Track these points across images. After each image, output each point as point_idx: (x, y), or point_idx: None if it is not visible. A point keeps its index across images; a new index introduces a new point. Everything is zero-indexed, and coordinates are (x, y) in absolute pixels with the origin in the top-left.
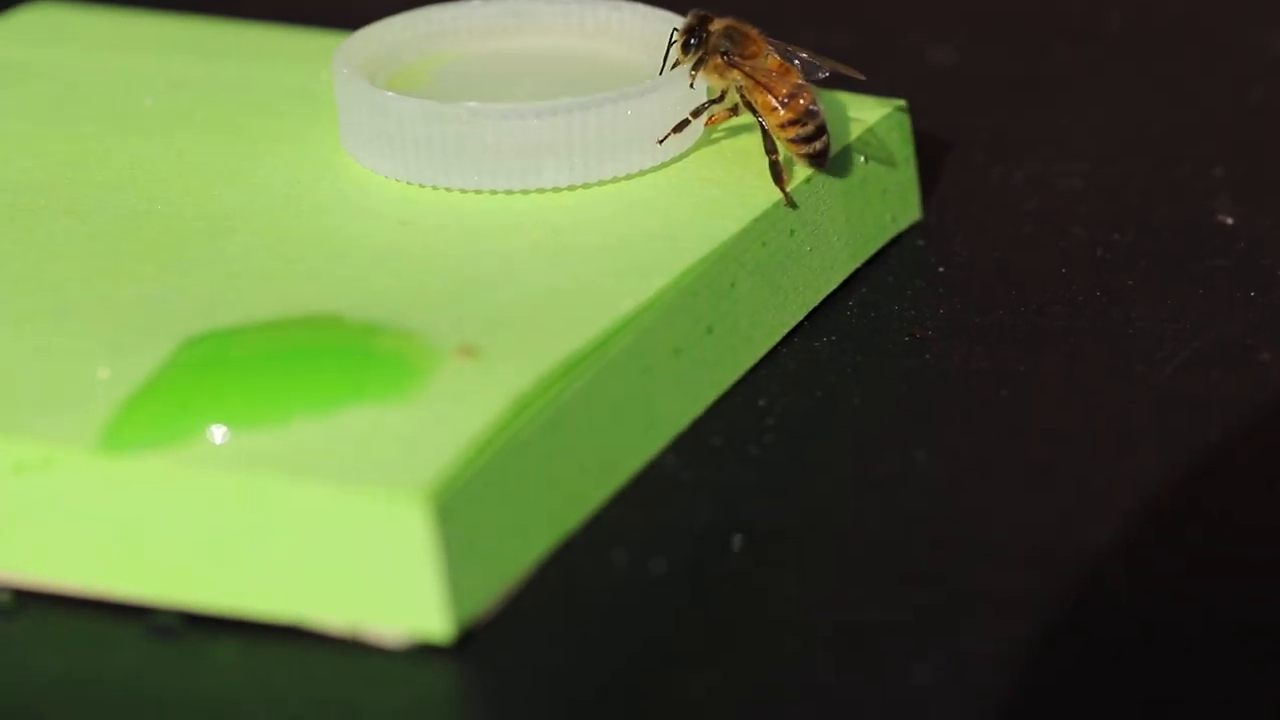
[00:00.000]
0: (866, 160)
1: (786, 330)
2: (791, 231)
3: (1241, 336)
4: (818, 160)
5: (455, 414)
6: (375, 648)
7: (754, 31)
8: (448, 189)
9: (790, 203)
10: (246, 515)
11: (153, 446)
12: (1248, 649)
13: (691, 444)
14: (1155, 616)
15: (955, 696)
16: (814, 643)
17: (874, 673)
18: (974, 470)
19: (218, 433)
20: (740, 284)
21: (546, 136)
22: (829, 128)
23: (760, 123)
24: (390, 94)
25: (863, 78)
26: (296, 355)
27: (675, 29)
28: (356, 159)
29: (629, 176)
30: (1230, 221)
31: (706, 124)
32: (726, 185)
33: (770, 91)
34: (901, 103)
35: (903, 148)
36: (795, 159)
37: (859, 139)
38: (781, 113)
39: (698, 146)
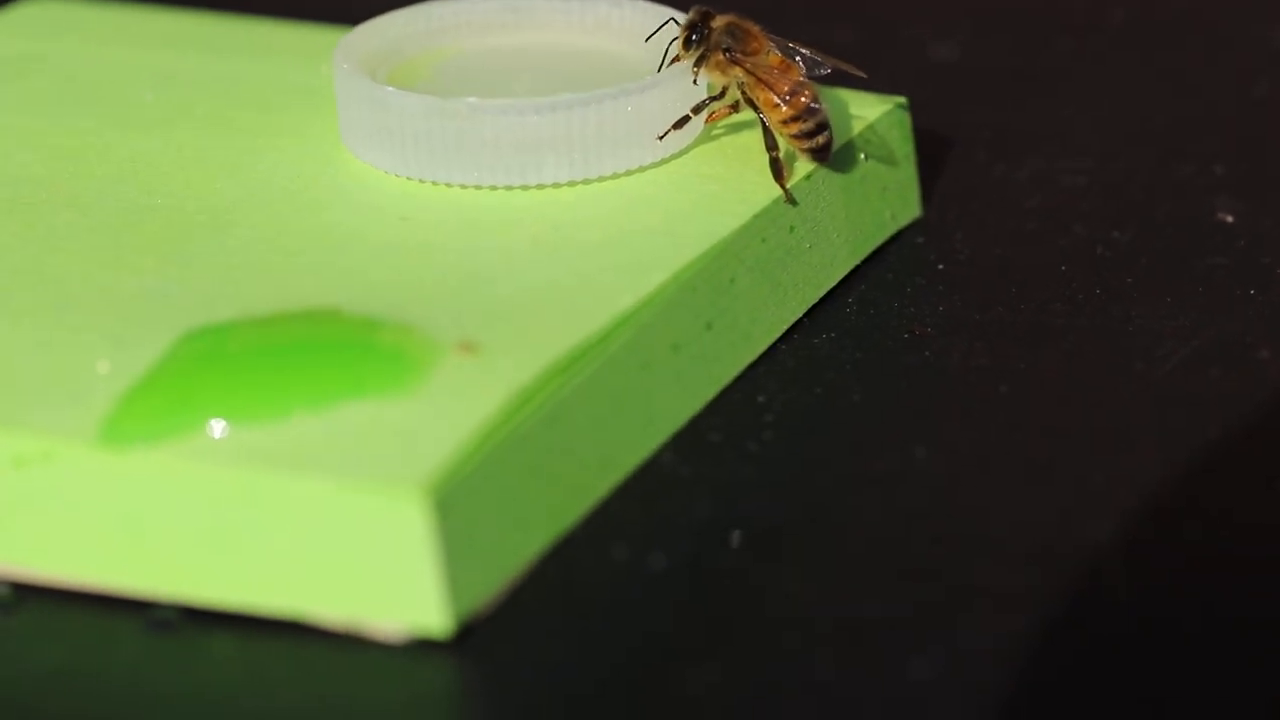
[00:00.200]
0: (867, 157)
1: (786, 327)
2: (791, 228)
3: (1241, 334)
4: (820, 155)
5: (454, 409)
6: (374, 642)
7: (755, 28)
8: (448, 184)
9: (790, 199)
10: (246, 509)
11: (152, 440)
12: (1246, 645)
13: (691, 440)
14: (1154, 613)
15: (954, 692)
16: (813, 638)
17: (873, 668)
18: (973, 467)
19: (217, 427)
20: (740, 280)
21: (547, 132)
22: (831, 124)
23: (761, 119)
24: (390, 89)
25: (864, 75)
26: (296, 350)
27: (675, 20)
28: (356, 154)
29: (629, 172)
30: (1230, 219)
31: (707, 121)
32: (726, 182)
33: (772, 88)
34: (902, 100)
35: (903, 145)
36: (797, 154)
37: (859, 136)
38: (783, 109)
39: (698, 143)
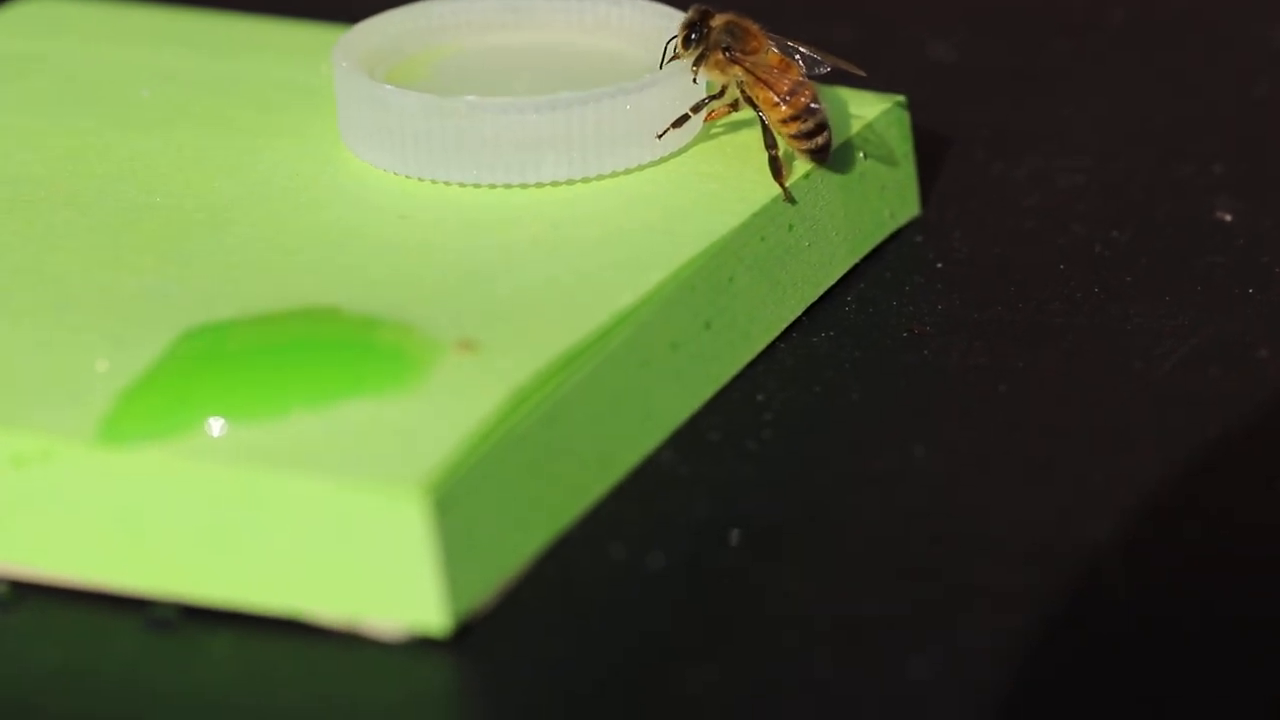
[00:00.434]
0: (865, 156)
1: (785, 325)
2: (790, 227)
3: (1240, 333)
4: (820, 155)
5: (454, 407)
6: (372, 641)
7: (755, 27)
8: (447, 183)
9: (789, 198)
10: (244, 508)
11: (151, 439)
12: (1245, 644)
13: (689, 439)
14: (1153, 612)
15: (953, 691)
16: (812, 637)
17: (872, 667)
18: (972, 466)
19: (216, 425)
20: (739, 279)
21: (546, 131)
22: (830, 124)
23: (760, 118)
24: (389, 87)
25: (863, 73)
26: (295, 348)
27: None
28: (356, 153)
29: (628, 171)
30: (1229, 219)
31: (706, 119)
32: (725, 180)
33: (771, 87)
34: (901, 98)
35: (902, 143)
36: (796, 154)
37: (858, 135)
38: (783, 108)
39: (697, 142)
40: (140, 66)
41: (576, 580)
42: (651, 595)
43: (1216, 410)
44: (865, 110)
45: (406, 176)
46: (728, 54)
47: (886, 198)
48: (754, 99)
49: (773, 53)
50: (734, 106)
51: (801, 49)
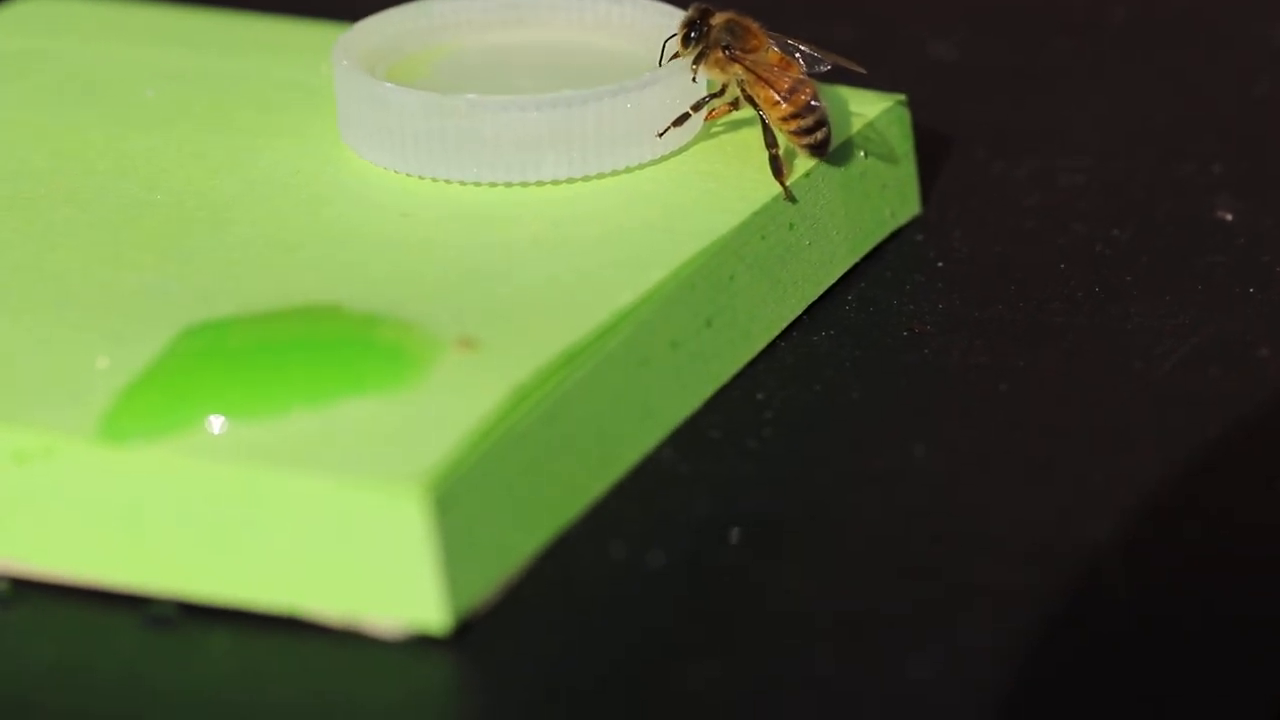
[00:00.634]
0: (866, 155)
1: (785, 324)
2: (791, 225)
3: (1240, 333)
4: (819, 151)
5: (454, 405)
6: (372, 638)
7: (755, 25)
8: (447, 181)
9: (790, 197)
10: (244, 506)
11: (151, 437)
12: (1245, 643)
13: (690, 437)
14: (1153, 611)
15: (953, 690)
16: (812, 635)
17: (872, 665)
18: (972, 465)
19: (216, 423)
20: (739, 277)
21: (546, 129)
22: (830, 121)
23: (761, 116)
24: (390, 86)
25: (863, 71)
26: (295, 346)
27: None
28: (356, 151)
29: (629, 170)
30: (1230, 218)
31: (706, 118)
32: (726, 179)
33: (772, 85)
34: (902, 97)
35: (902, 142)
36: (796, 149)
37: (859, 133)
38: (783, 106)
39: (697, 140)
40: (141, 64)
41: (577, 578)
42: (652, 593)
43: (1216, 410)
44: (866, 109)
45: (407, 175)
46: (728, 52)
47: (887, 196)
48: (754, 97)
49: (773, 51)
50: (734, 105)
51: (802, 47)
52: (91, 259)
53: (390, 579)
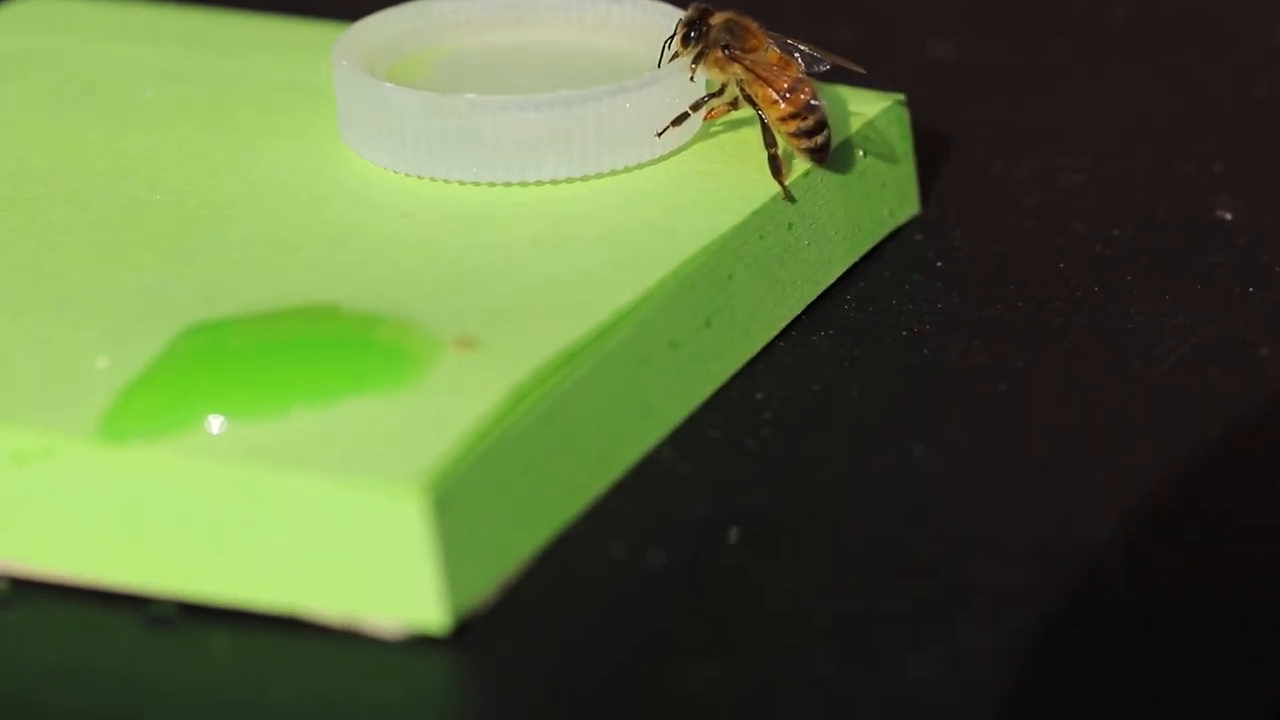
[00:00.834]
0: (865, 154)
1: (784, 324)
2: (790, 225)
3: (1240, 332)
4: (819, 155)
5: (453, 405)
6: (372, 638)
7: (754, 25)
8: (447, 181)
9: (789, 196)
10: (244, 506)
11: (151, 437)
12: (1245, 644)
13: (689, 436)
14: (1153, 611)
15: (953, 689)
16: (812, 635)
17: (872, 665)
18: (972, 465)
19: (216, 423)
20: (738, 277)
21: (545, 129)
22: (830, 122)
23: (760, 116)
24: (389, 86)
25: (862, 71)
26: (295, 346)
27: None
28: (356, 151)
29: (628, 169)
30: (1230, 217)
31: (706, 118)
32: (725, 178)
33: (771, 85)
34: (901, 97)
35: (901, 142)
36: (796, 153)
37: (858, 133)
38: (782, 106)
39: (696, 140)
40: (141, 64)
41: (576, 578)
42: (652, 592)
43: (1216, 410)
44: (865, 108)
45: (407, 174)
46: (727, 52)
47: (886, 196)
48: (753, 97)
49: (772, 50)
50: (733, 105)
51: (801, 47)
52: (91, 259)
53: (390, 579)
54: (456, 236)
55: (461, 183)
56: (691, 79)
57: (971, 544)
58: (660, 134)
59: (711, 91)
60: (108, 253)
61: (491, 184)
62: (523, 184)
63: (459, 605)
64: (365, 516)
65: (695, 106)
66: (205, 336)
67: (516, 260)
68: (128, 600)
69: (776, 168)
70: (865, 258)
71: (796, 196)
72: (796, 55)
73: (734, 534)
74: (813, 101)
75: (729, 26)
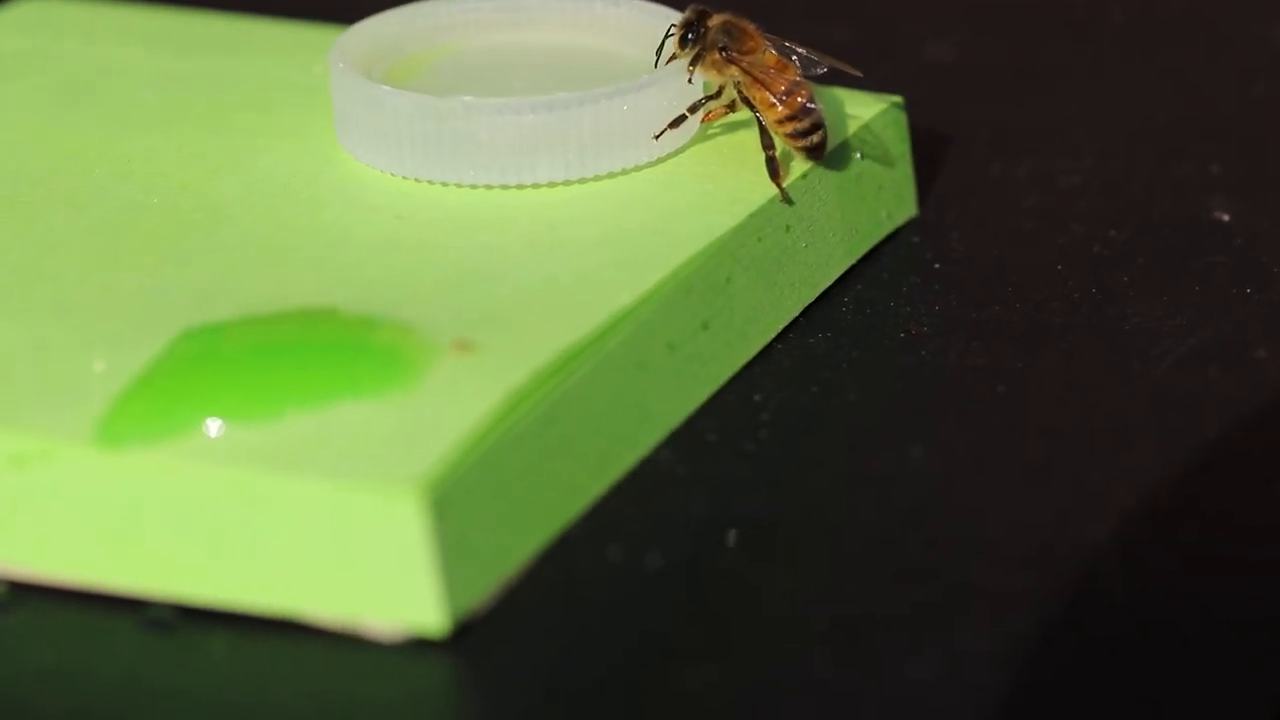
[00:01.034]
0: (862, 156)
1: (782, 326)
2: (787, 227)
3: (1238, 333)
4: (815, 153)
5: (450, 408)
6: (370, 641)
7: (751, 27)
8: (444, 183)
9: (786, 199)
10: (241, 509)
11: (148, 440)
12: (1243, 646)
13: (687, 439)
14: (1151, 614)
15: (951, 692)
16: (810, 638)
17: (870, 668)
18: (970, 467)
19: (213, 426)
20: (736, 279)
21: (542, 131)
22: (826, 123)
23: (758, 118)
24: (386, 88)
25: (860, 74)
26: (292, 349)
27: (673, 24)
28: (353, 153)
29: (625, 172)
30: (1227, 218)
31: (703, 120)
32: (722, 181)
33: (768, 87)
34: (898, 99)
35: (899, 144)
36: (792, 152)
37: (855, 135)
38: (779, 108)
39: (694, 142)
40: (138, 66)
41: (574, 580)
42: (649, 595)
43: (1215, 410)
44: (862, 111)
45: (403, 177)
46: (724, 54)
47: (884, 198)
48: (750, 99)
49: (769, 53)
50: (731, 107)
51: (799, 49)
52: (88, 261)
53: (388, 581)
54: (454, 239)
55: (458, 185)
56: (689, 81)
57: (969, 546)
58: (657, 136)
59: (709, 94)
60: (105, 255)
61: (488, 186)
62: (519, 187)
63: (457, 608)
64: (363, 519)
65: (692, 109)
66: (202, 341)
67: (513, 263)
68: (126, 603)
69: (774, 170)
70: (863, 260)
71: (794, 199)
72: (794, 57)
73: (732, 536)
74: (809, 104)
75: (726, 28)
